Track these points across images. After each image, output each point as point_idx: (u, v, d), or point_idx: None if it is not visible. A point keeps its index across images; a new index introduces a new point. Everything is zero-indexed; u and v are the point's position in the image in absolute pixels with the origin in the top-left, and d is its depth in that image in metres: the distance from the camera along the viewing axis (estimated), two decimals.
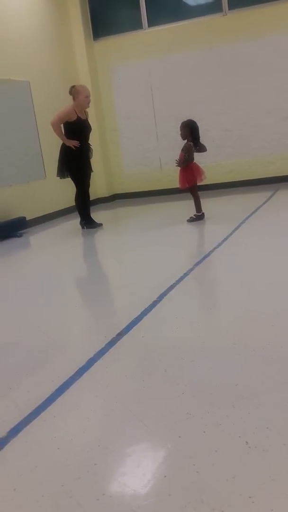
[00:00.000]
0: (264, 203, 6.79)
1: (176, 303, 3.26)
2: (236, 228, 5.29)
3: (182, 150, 5.85)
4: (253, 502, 1.41)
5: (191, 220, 6.00)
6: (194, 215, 6.02)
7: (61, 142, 6.18)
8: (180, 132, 5.89)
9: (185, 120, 5.90)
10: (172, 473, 1.59)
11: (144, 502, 1.47)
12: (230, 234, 5.05)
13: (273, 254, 4.17)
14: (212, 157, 7.41)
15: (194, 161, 5.92)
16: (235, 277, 3.68)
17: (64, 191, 7.34)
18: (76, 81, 8.57)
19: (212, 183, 7.64)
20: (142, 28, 8.78)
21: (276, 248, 4.34)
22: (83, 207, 6.55)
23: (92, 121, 6.77)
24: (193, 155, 5.88)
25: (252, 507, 1.40)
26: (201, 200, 6.03)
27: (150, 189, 9.15)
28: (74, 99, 6.16)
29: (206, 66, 8.49)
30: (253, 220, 5.72)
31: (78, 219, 6.68)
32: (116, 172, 9.46)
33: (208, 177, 6.24)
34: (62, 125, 6.13)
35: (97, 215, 6.84)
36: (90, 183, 6.57)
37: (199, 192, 6.04)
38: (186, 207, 6.42)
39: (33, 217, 7.44)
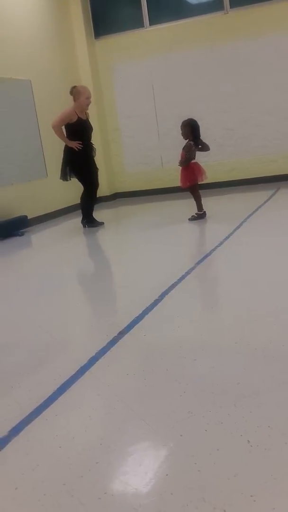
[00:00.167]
0: (265, 201, 6.78)
1: (177, 302, 3.26)
2: (238, 227, 5.28)
3: (183, 149, 5.84)
4: (254, 501, 1.41)
5: (193, 219, 5.99)
6: (195, 213, 6.02)
7: (63, 143, 6.17)
8: (181, 131, 5.89)
9: (186, 119, 5.89)
10: (173, 471, 1.59)
11: (145, 501, 1.47)
12: (232, 233, 5.04)
13: (275, 253, 4.16)
14: (213, 155, 7.40)
15: (196, 160, 5.92)
16: (236, 276, 3.68)
17: (65, 190, 7.35)
18: (77, 79, 8.59)
19: (213, 181, 7.65)
20: (144, 26, 8.78)
21: (277, 247, 4.33)
22: (87, 206, 6.54)
23: (93, 120, 6.77)
24: (194, 154, 5.87)
25: (253, 506, 1.40)
26: (202, 198, 6.03)
27: (151, 188, 9.15)
28: (74, 99, 6.14)
29: (207, 64, 8.48)
30: (255, 219, 5.72)
31: (80, 218, 6.68)
32: (118, 171, 9.46)
33: (210, 176, 6.24)
34: (63, 127, 6.12)
35: (98, 213, 6.84)
36: (100, 183, 6.57)
37: (200, 191, 6.04)
38: (188, 205, 6.42)
39: (35, 216, 7.44)
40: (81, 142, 6.11)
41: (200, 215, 5.99)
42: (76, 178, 6.38)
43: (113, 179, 9.46)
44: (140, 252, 5.01)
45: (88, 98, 6.17)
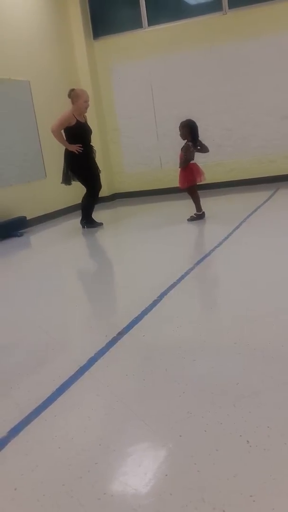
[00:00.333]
0: (264, 202, 6.78)
1: (176, 302, 3.26)
2: (237, 227, 5.28)
3: (181, 149, 5.85)
4: (254, 501, 1.41)
5: (192, 219, 6.00)
6: (194, 214, 6.02)
7: (63, 146, 6.15)
8: (179, 132, 5.89)
9: (184, 120, 5.89)
10: (173, 472, 1.59)
11: (145, 501, 1.47)
12: (231, 233, 5.04)
13: (274, 253, 4.17)
14: (212, 156, 7.39)
15: (194, 161, 5.92)
16: (235, 276, 3.68)
17: (64, 191, 7.33)
18: (76, 80, 8.59)
19: (212, 182, 7.64)
20: (142, 27, 8.78)
21: (276, 247, 4.33)
22: (88, 206, 6.54)
23: (92, 120, 6.76)
24: (193, 155, 5.87)
25: (253, 506, 1.40)
26: (201, 199, 6.03)
27: (150, 189, 9.15)
28: (73, 102, 6.12)
29: (206, 65, 8.49)
30: (254, 219, 5.72)
31: (79, 219, 6.68)
32: (117, 171, 9.46)
33: (209, 176, 6.24)
34: (62, 131, 6.10)
35: (97, 214, 6.84)
36: (102, 184, 6.56)
37: (199, 191, 6.04)
38: (187, 206, 6.42)
39: (34, 217, 7.44)
40: (81, 145, 6.10)
41: (199, 216, 5.99)
42: (79, 181, 6.37)
43: (112, 180, 9.46)
44: (139, 252, 5.01)
45: (86, 101, 6.14)
